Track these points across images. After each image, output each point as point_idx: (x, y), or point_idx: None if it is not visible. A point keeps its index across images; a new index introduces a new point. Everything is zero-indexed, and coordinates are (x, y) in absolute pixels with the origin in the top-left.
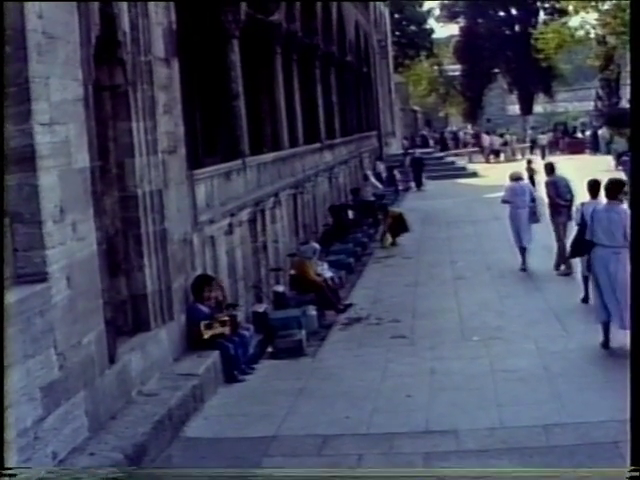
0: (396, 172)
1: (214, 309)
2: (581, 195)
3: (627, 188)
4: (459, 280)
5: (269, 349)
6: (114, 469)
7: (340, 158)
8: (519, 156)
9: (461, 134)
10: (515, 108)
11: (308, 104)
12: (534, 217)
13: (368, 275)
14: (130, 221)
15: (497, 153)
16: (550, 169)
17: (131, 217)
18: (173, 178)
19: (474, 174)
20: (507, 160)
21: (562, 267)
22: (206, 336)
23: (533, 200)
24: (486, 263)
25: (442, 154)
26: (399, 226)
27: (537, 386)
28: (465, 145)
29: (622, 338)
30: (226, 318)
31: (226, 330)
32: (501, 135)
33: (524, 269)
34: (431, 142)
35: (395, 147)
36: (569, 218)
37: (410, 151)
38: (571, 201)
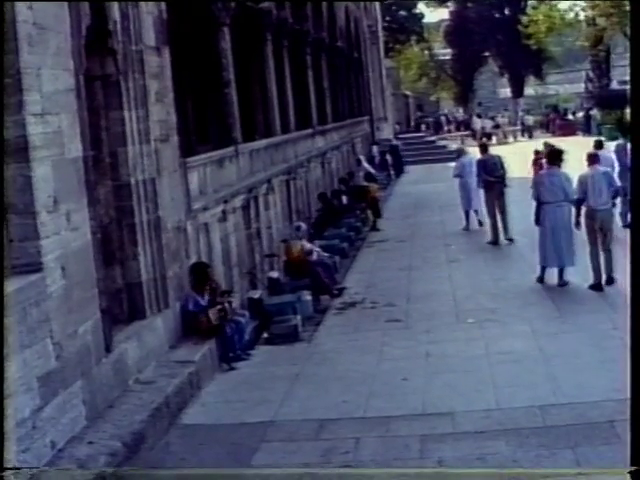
0: (388, 157)
1: (209, 296)
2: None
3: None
4: (453, 263)
5: (264, 335)
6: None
7: (332, 143)
8: (510, 138)
9: (442, 119)
10: (506, 91)
11: (299, 90)
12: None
13: (362, 259)
14: (124, 210)
15: (489, 136)
16: (483, 149)
17: (125, 206)
18: (166, 166)
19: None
20: (499, 143)
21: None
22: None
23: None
24: (480, 246)
25: (433, 138)
26: (373, 208)
27: (533, 367)
28: (456, 128)
29: (570, 277)
30: (225, 308)
31: (224, 318)
32: (492, 118)
33: (467, 229)
34: (422, 126)
35: (387, 132)
36: (501, 194)
37: (401, 136)
38: (502, 177)
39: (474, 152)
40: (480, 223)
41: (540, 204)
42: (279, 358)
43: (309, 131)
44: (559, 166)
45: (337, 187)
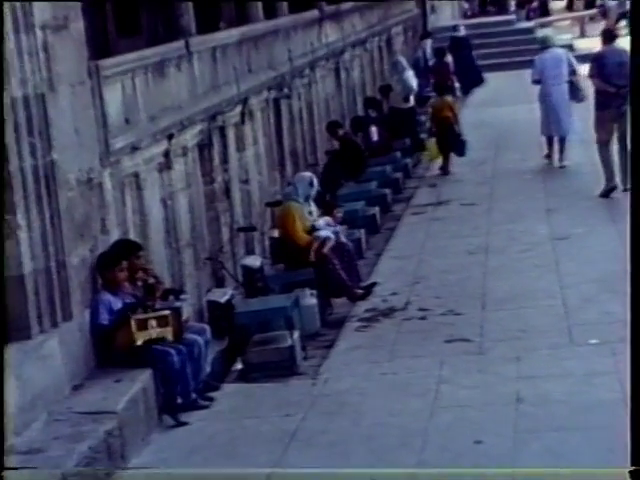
0: (450, 58)
1: (141, 299)
2: None
3: None
4: (562, 241)
5: (237, 365)
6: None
7: (353, 36)
8: None
9: None
10: None
11: None
12: (577, 93)
13: (404, 235)
14: None
15: None
16: (608, 37)
17: None
18: (64, 75)
19: (585, 58)
20: None
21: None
22: (139, 341)
23: (573, 72)
24: (609, 211)
25: (530, 24)
26: (448, 138)
27: None
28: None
29: None
30: (166, 312)
31: (167, 333)
32: None
33: (551, 164)
34: (511, 4)
35: (448, 15)
36: (622, 114)
37: (473, 22)
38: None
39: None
40: (562, 161)
41: None
42: (262, 404)
43: (313, 14)
44: None
45: (362, 112)
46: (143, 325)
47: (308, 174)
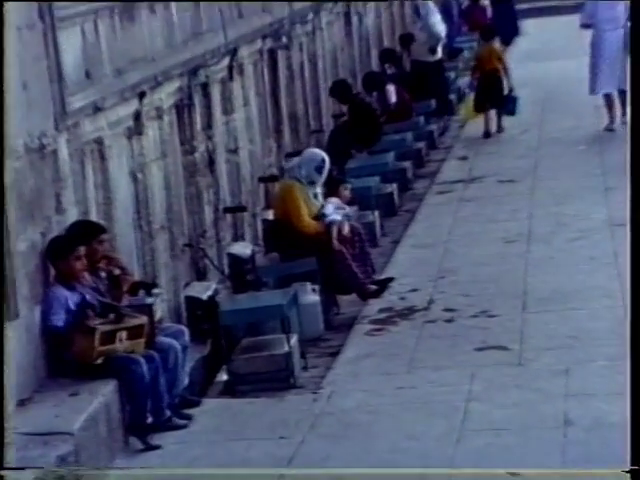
0: (486, 0)
1: (105, 294)
2: None
3: None
4: (622, 227)
5: (221, 376)
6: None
7: None
8: None
9: None
10: None
11: None
12: None
13: (427, 219)
14: None
15: None
16: None
17: None
18: (9, 16)
19: None
20: None
21: None
22: (99, 359)
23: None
24: None
25: None
26: (494, 94)
27: None
28: None
29: None
30: (143, 321)
31: (138, 345)
32: None
33: (611, 129)
34: None
35: None
36: None
37: None
38: None
39: None
40: (624, 122)
41: None
42: (252, 424)
43: None
44: None
45: (377, 68)
46: (109, 339)
47: (320, 155)
